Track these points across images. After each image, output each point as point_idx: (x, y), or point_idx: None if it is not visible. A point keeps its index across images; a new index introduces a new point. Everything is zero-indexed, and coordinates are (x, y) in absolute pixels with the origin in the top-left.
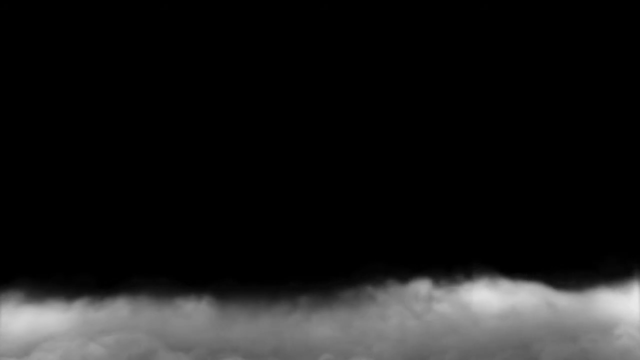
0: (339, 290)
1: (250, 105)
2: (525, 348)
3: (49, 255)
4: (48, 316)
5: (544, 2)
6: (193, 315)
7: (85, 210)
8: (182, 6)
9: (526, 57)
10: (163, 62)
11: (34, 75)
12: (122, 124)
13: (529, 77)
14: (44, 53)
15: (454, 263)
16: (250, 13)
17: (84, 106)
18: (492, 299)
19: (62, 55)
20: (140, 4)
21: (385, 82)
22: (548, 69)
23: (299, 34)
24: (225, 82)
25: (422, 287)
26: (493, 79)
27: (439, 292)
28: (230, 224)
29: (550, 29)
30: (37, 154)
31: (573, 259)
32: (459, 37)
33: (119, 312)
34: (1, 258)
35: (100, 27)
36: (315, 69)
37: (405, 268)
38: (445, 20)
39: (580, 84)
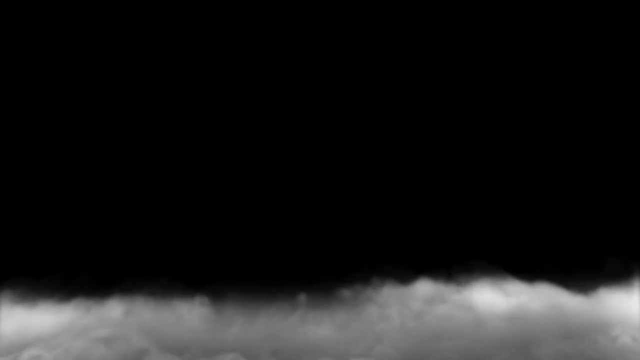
0: (338, 290)
1: (249, 106)
2: (528, 348)
3: (43, 256)
4: (41, 316)
5: (544, 2)
6: (189, 316)
7: (80, 211)
8: (182, 6)
9: (526, 57)
10: (163, 62)
11: (33, 75)
12: (118, 124)
13: (533, 77)
14: (44, 53)
15: (455, 263)
16: (250, 13)
17: (79, 106)
18: (493, 300)
19: (62, 55)
20: (140, 4)
21: (385, 82)
22: (550, 69)
23: (299, 34)
24: (225, 82)
25: (423, 287)
26: (494, 78)
27: (440, 293)
28: (228, 224)
29: (550, 29)
30: (32, 155)
31: (576, 260)
32: (459, 37)
33: (114, 313)
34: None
35: (101, 27)
36: (315, 69)
37: (406, 268)
38: (445, 20)
39: (584, 86)
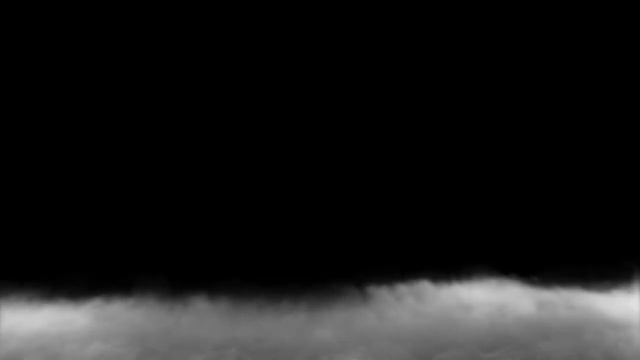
0: (339, 290)
1: (251, 107)
2: (528, 348)
3: (53, 256)
4: (56, 316)
5: (544, 2)
6: (194, 314)
7: (65, 211)
8: (182, 6)
9: (526, 57)
10: (163, 62)
11: (33, 75)
12: (123, 124)
13: (536, 78)
14: (44, 53)
15: (453, 263)
16: (250, 13)
17: (84, 106)
18: (492, 299)
19: (62, 55)
20: (140, 4)
21: (385, 82)
22: (551, 69)
23: (299, 34)
24: (226, 82)
25: (422, 286)
26: (494, 79)
27: (439, 292)
28: (232, 224)
29: (550, 29)
30: (34, 156)
31: (577, 261)
32: (459, 37)
33: (124, 312)
34: (3, 259)
35: (101, 27)
36: (315, 69)
37: (405, 268)
38: (445, 20)
39: (585, 86)
